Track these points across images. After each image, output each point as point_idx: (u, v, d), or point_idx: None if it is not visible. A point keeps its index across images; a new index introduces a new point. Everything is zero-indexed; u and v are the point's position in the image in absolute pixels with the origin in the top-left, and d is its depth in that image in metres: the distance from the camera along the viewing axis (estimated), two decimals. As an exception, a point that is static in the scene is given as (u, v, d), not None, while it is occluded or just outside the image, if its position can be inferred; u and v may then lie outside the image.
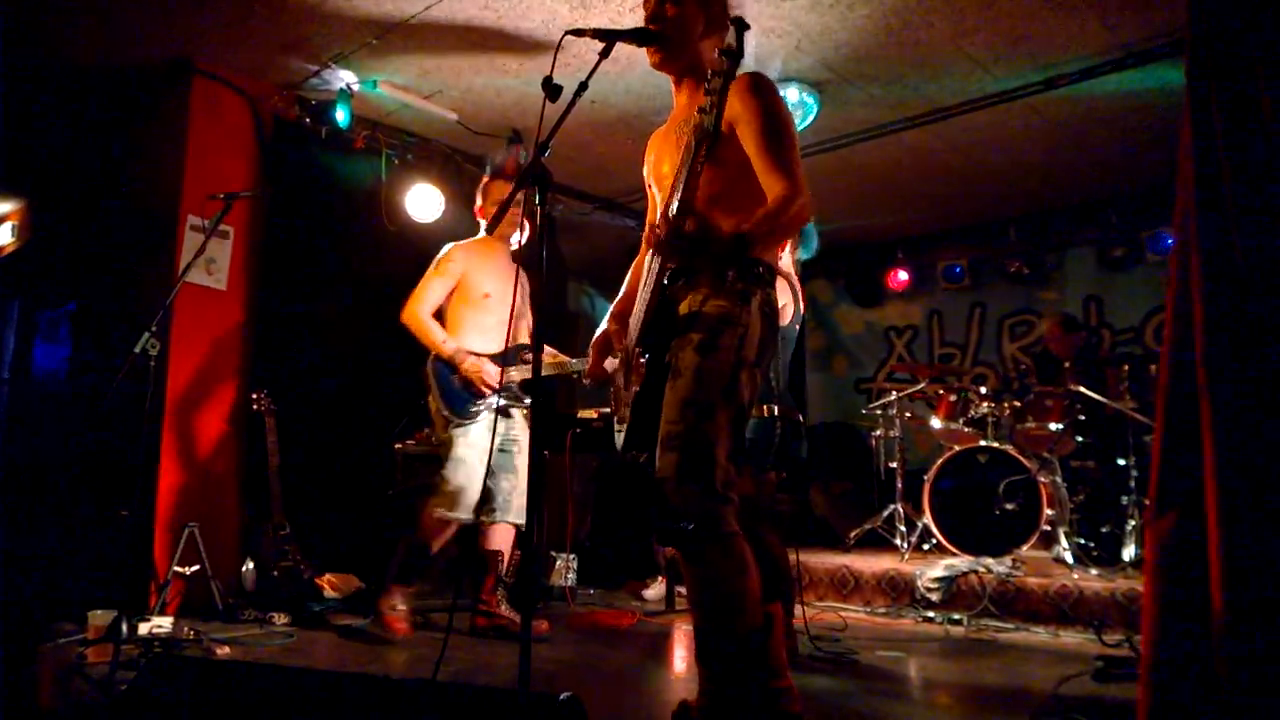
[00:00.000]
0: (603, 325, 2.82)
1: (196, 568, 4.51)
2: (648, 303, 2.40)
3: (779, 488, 4.01)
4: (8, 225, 6.96)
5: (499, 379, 4.15)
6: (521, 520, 4.17)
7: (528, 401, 4.26)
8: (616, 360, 2.68)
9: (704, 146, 2.17)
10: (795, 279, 3.96)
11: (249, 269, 5.20)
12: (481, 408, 4.20)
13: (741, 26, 2.15)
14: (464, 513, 4.12)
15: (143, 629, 3.77)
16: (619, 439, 2.58)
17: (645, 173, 2.81)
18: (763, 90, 2.39)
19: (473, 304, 4.30)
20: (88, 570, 4.47)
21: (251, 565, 4.57)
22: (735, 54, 2.13)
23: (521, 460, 4.23)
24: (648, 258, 2.52)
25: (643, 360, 2.42)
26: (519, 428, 4.31)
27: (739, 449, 2.31)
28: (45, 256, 6.50)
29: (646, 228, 2.87)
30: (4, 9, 4.43)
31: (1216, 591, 1.56)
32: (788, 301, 3.76)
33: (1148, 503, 1.71)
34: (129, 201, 5.39)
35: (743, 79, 2.40)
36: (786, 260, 3.93)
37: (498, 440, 4.18)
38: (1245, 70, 1.66)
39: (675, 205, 2.23)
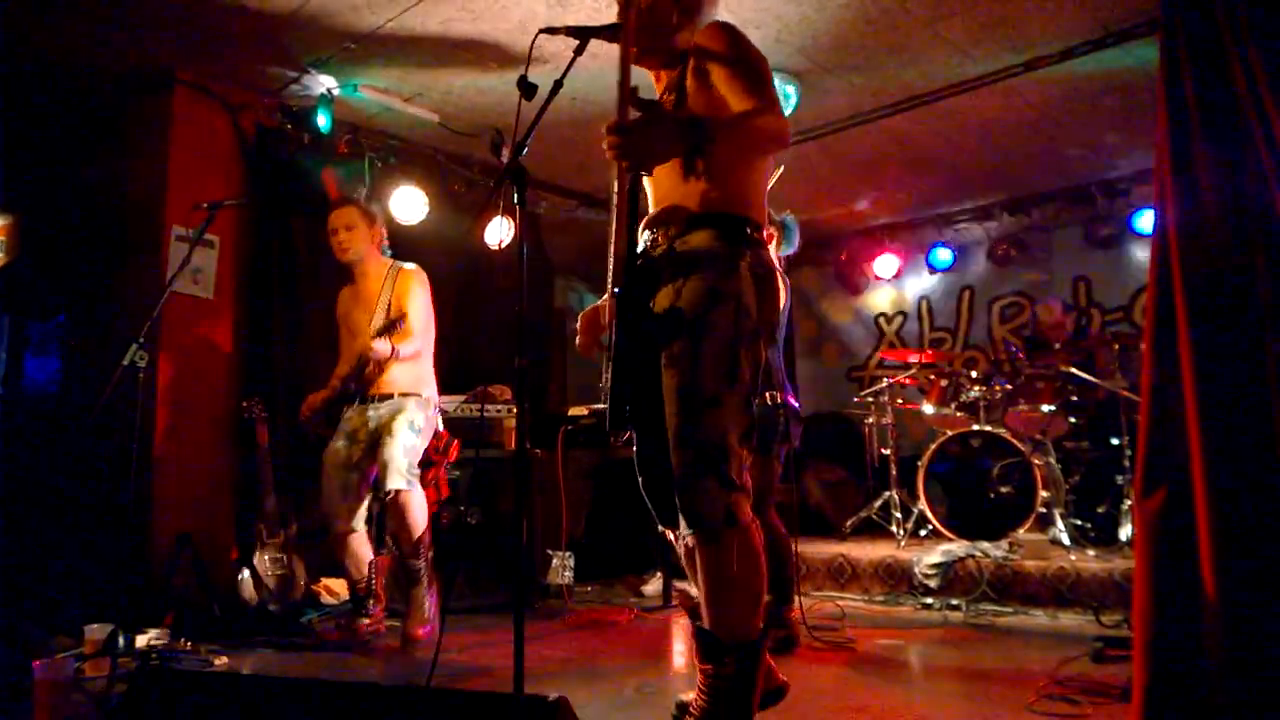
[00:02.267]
0: (594, 305, 2.75)
1: (193, 578, 4.50)
2: (615, 247, 2.27)
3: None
4: (-4, 241, 6.93)
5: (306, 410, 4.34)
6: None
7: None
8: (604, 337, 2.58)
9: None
10: (781, 273, 3.97)
11: (236, 277, 5.19)
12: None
13: None
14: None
15: (139, 642, 3.76)
16: (606, 419, 2.44)
17: None
18: (726, 30, 2.33)
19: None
20: (84, 583, 4.46)
21: (247, 574, 4.55)
22: None
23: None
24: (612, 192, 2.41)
25: (617, 292, 2.24)
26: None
27: (750, 429, 2.23)
28: (34, 270, 6.48)
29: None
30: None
31: (1207, 571, 1.56)
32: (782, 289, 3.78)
33: (1135, 477, 1.70)
34: (115, 213, 5.37)
35: (702, 32, 2.36)
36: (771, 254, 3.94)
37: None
38: (1215, 38, 1.66)
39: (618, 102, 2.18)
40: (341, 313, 4.50)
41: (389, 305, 4.26)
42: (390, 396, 4.23)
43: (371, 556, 4.25)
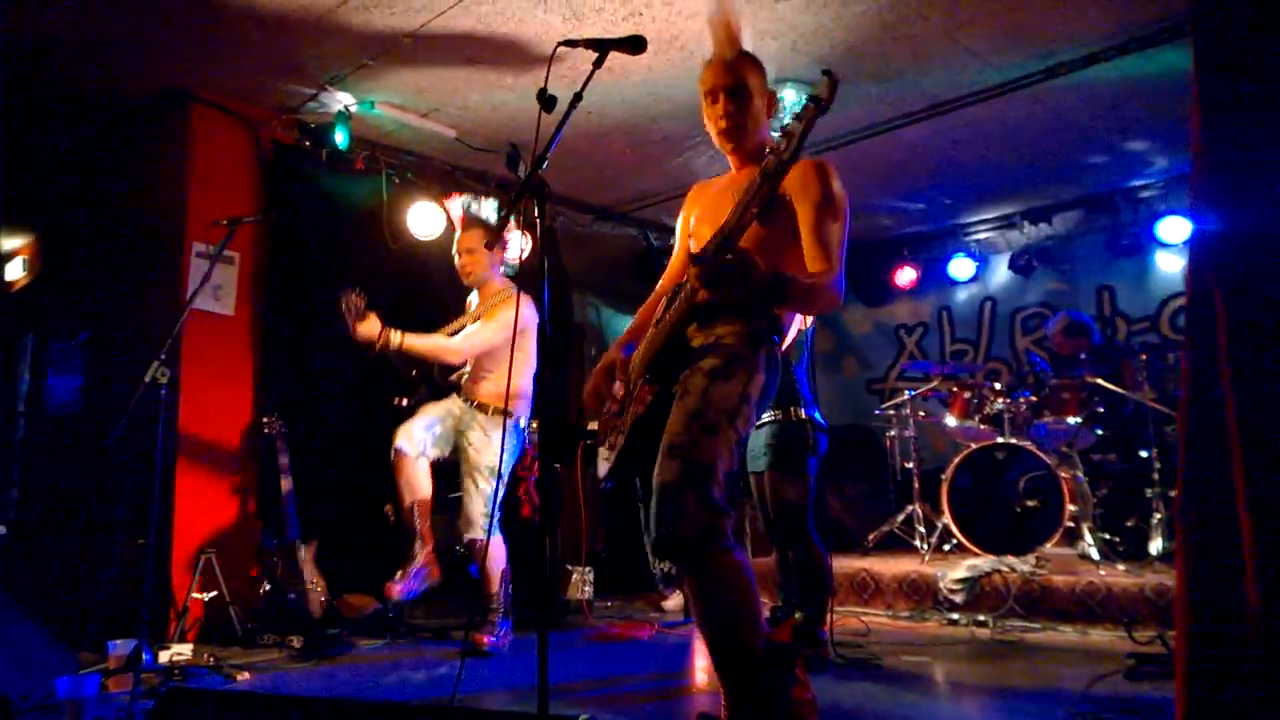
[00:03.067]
0: (609, 353, 2.80)
1: (214, 593, 4.51)
2: (664, 335, 2.46)
3: None
4: (19, 260, 6.99)
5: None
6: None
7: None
8: (617, 387, 2.68)
9: (762, 192, 2.20)
10: None
11: (255, 293, 5.21)
12: None
13: (833, 80, 2.17)
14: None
15: (163, 657, 3.77)
16: (603, 466, 2.62)
17: (681, 224, 2.84)
18: (827, 174, 2.45)
19: None
20: (107, 599, 4.46)
21: (269, 589, 4.55)
22: (823, 105, 2.15)
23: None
24: (666, 299, 2.59)
25: (648, 387, 2.47)
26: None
27: (732, 473, 2.34)
28: (57, 289, 6.53)
29: (667, 273, 2.88)
30: (7, 45, 4.45)
31: (1251, 587, 1.51)
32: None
33: (1175, 493, 1.66)
34: (135, 231, 5.40)
35: (810, 161, 2.46)
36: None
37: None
38: (1251, 37, 1.62)
39: (720, 241, 2.25)
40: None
41: (474, 316, 4.47)
42: (485, 408, 4.40)
43: (426, 494, 4.38)
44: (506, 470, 4.49)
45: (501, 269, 4.68)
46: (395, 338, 4.21)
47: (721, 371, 2.35)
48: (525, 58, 4.73)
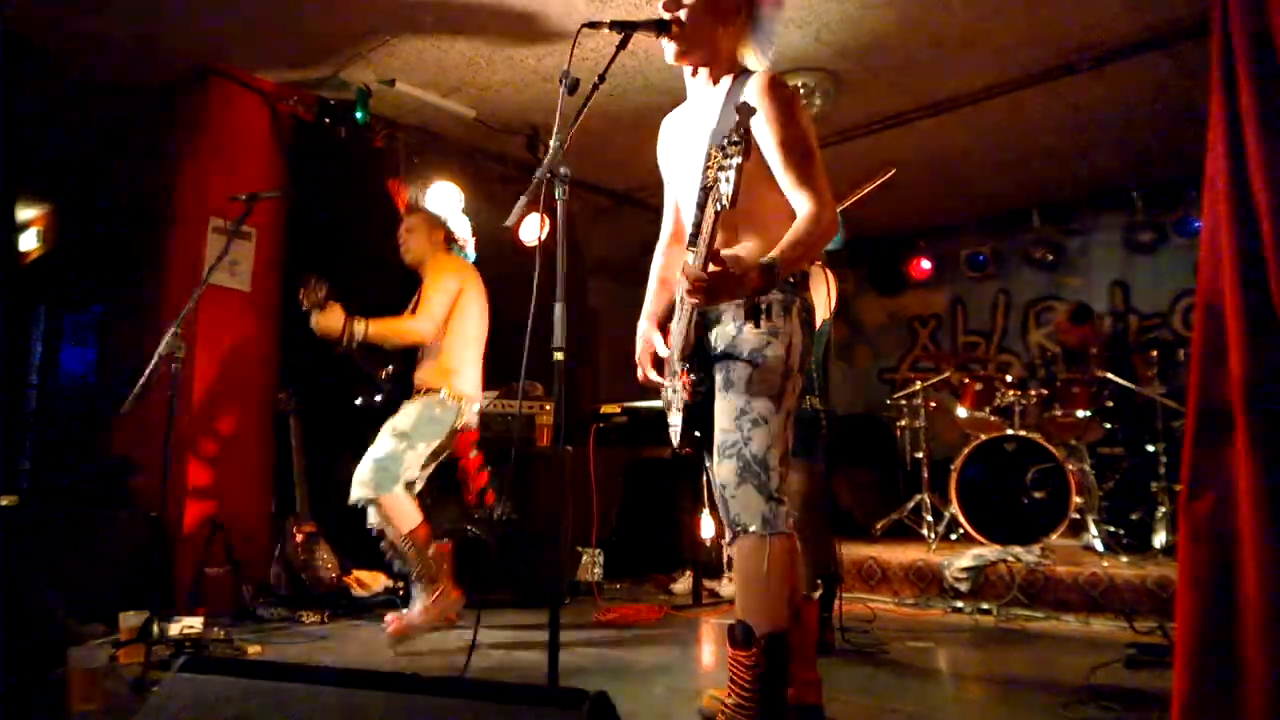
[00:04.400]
0: (640, 332, 2.79)
1: (226, 567, 4.55)
2: (686, 327, 2.45)
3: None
4: (33, 231, 7.03)
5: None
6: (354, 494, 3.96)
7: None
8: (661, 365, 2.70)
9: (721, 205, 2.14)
10: (828, 272, 3.89)
11: (272, 269, 5.24)
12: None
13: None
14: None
15: (173, 630, 3.79)
16: (675, 437, 2.64)
17: (660, 161, 2.79)
18: (780, 96, 2.35)
19: None
20: (118, 571, 4.51)
21: (280, 564, 4.60)
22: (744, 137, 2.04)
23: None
24: (678, 291, 2.54)
25: (691, 378, 2.47)
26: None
27: (787, 452, 2.39)
28: (70, 261, 6.56)
29: (665, 222, 2.86)
30: (29, 17, 4.47)
31: (1252, 579, 1.54)
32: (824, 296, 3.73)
33: (1180, 488, 1.68)
34: (152, 204, 5.43)
35: (756, 82, 2.38)
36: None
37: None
38: (1271, 38, 1.63)
39: (701, 254, 2.21)
40: None
41: (418, 296, 4.23)
42: (419, 392, 4.14)
43: (416, 521, 4.02)
44: (426, 443, 4.06)
45: (456, 250, 4.47)
46: (360, 328, 3.91)
47: (759, 353, 2.35)
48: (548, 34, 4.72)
